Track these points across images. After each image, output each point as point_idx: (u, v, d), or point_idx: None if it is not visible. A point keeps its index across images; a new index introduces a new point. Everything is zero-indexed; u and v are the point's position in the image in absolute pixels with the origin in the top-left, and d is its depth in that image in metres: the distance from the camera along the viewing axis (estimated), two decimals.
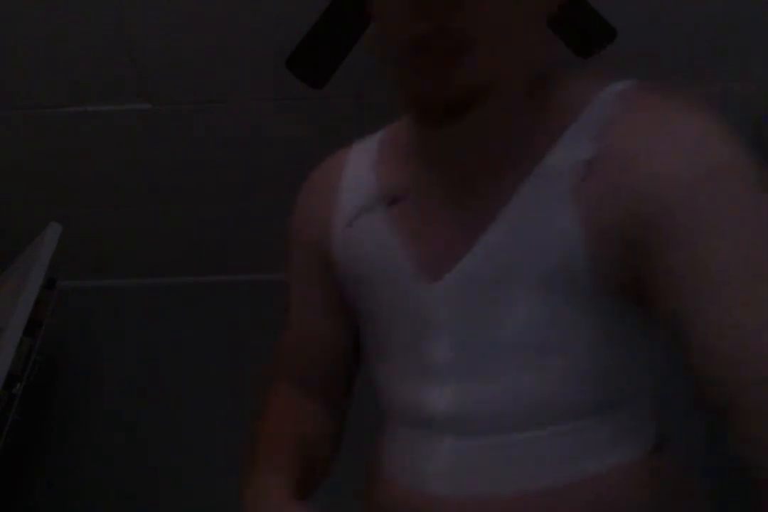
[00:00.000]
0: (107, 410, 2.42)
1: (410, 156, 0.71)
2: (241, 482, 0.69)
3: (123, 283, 2.71)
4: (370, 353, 0.77)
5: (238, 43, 1.79)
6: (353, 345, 0.80)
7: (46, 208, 2.28)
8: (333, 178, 0.78)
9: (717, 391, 0.52)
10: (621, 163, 0.57)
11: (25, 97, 1.93)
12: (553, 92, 0.65)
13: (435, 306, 0.65)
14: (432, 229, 0.66)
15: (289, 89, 1.76)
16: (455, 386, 0.64)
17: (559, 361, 0.61)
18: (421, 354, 0.66)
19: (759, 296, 0.51)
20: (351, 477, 0.81)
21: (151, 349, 2.53)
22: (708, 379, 0.53)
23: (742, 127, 2.30)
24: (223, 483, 2.23)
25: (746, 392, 0.50)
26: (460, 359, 0.64)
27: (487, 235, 0.62)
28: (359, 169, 0.76)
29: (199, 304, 2.64)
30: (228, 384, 2.43)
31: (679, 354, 0.55)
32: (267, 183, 2.24)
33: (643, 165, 0.56)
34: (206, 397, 2.40)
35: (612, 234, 0.57)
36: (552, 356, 0.61)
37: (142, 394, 2.44)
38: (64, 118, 1.99)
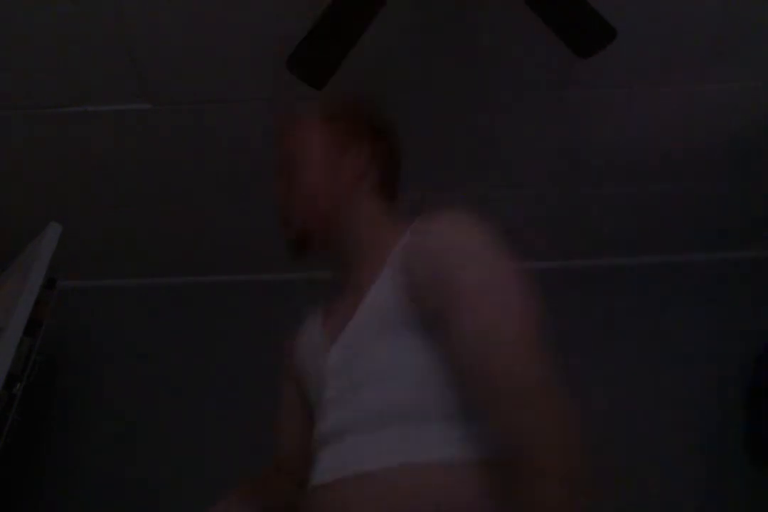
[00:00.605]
0: (107, 410, 2.42)
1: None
2: None
3: (123, 283, 2.71)
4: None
5: (237, 43, 1.79)
6: None
7: (46, 208, 2.28)
8: (306, 321, 1.14)
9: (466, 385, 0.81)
10: (418, 248, 0.90)
11: (25, 97, 1.93)
12: (395, 223, 1.03)
13: (329, 365, 0.95)
14: (336, 315, 1.00)
15: (289, 89, 1.76)
16: (333, 413, 0.92)
17: (392, 383, 0.86)
18: (321, 398, 0.95)
19: (480, 318, 0.81)
20: None
21: (151, 349, 2.53)
22: (456, 366, 0.83)
23: (742, 126, 2.31)
24: (222, 482, 2.24)
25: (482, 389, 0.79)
26: (337, 394, 0.92)
27: (356, 313, 0.93)
28: (319, 307, 1.13)
29: (199, 304, 2.65)
30: (228, 384, 2.43)
31: None
32: (267, 183, 2.23)
33: (426, 247, 0.89)
34: (206, 397, 2.40)
35: (416, 291, 0.87)
36: (387, 380, 0.87)
37: (142, 394, 2.44)
38: (64, 118, 1.99)
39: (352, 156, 1.04)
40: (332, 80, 1.54)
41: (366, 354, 0.90)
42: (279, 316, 2.52)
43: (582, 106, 2.04)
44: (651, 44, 1.84)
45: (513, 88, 1.98)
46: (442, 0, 1.70)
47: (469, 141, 2.15)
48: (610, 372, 2.42)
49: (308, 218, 1.03)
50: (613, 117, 2.08)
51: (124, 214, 2.39)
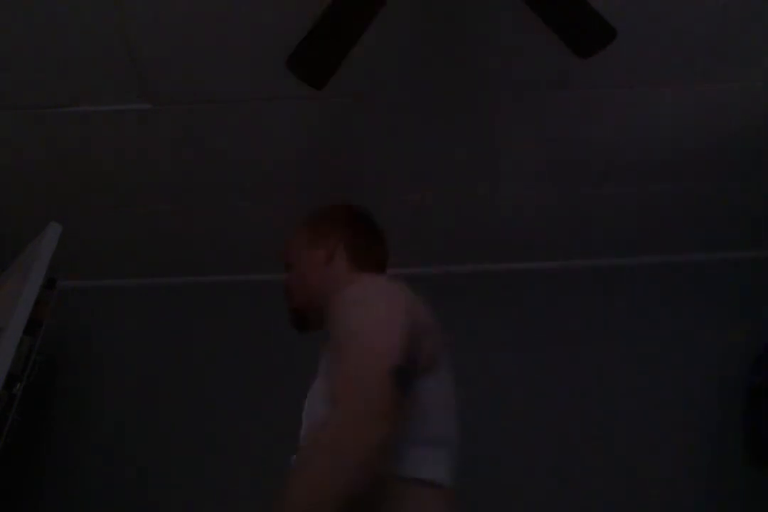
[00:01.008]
0: (107, 410, 2.42)
1: None
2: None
3: (123, 283, 2.71)
4: None
5: (238, 43, 1.79)
6: None
7: (46, 208, 2.28)
8: None
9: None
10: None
11: (25, 97, 1.93)
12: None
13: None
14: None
15: (289, 89, 1.76)
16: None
17: (314, 419, 1.10)
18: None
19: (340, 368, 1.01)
20: None
21: (151, 349, 2.53)
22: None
23: (742, 126, 2.31)
24: (222, 482, 2.24)
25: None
26: (303, 426, 1.17)
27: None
28: None
29: (199, 304, 2.65)
30: (228, 384, 2.43)
31: None
32: (267, 183, 2.24)
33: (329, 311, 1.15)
34: (206, 397, 2.40)
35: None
36: (314, 417, 1.11)
37: (142, 394, 2.44)
38: (64, 118, 1.99)
39: (320, 248, 1.37)
40: (332, 80, 1.54)
41: (312, 396, 1.15)
42: (279, 316, 2.54)
43: (582, 106, 2.04)
44: (651, 44, 1.84)
45: (513, 88, 1.98)
46: (442, 0, 1.70)
47: (469, 140, 2.15)
48: (609, 372, 2.42)
49: (297, 300, 1.37)
50: (613, 117, 2.08)
51: (124, 214, 2.39)
